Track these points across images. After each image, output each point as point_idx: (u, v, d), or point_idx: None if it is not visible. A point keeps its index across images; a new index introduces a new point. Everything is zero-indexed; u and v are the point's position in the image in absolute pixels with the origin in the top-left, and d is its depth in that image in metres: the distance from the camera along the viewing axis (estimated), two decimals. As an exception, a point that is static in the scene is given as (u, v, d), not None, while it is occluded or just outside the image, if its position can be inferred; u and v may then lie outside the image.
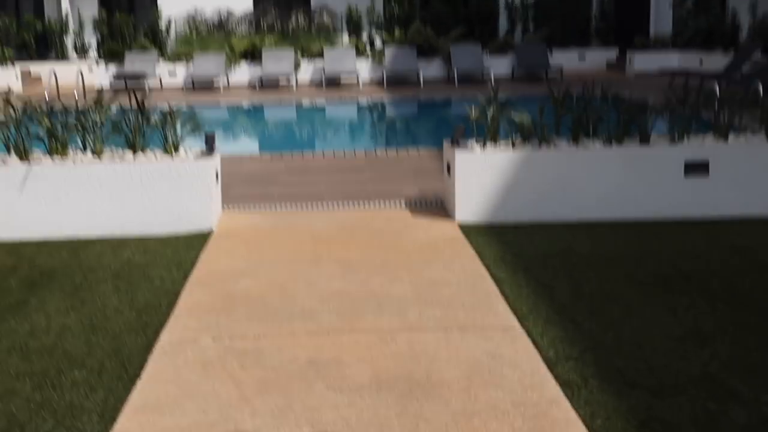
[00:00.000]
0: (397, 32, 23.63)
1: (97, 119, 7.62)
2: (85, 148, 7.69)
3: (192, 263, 6.50)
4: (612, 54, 25.42)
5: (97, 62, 23.09)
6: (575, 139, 7.79)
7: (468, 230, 7.28)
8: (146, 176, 7.32)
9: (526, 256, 6.51)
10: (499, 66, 22.79)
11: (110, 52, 22.87)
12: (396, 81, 22.12)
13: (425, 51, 23.08)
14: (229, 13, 25.13)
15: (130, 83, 21.90)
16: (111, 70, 22.43)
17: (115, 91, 21.06)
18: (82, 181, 7.30)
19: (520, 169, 7.51)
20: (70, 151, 7.61)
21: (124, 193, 7.33)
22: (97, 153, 7.55)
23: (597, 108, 7.90)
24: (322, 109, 18.73)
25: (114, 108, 7.90)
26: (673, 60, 22.97)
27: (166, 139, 7.60)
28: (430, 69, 22.94)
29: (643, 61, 23.04)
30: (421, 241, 6.97)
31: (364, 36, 25.05)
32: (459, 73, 21.87)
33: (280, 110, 18.64)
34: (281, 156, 11.07)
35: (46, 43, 25.27)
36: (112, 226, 7.36)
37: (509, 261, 6.40)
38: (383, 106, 19.08)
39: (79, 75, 18.16)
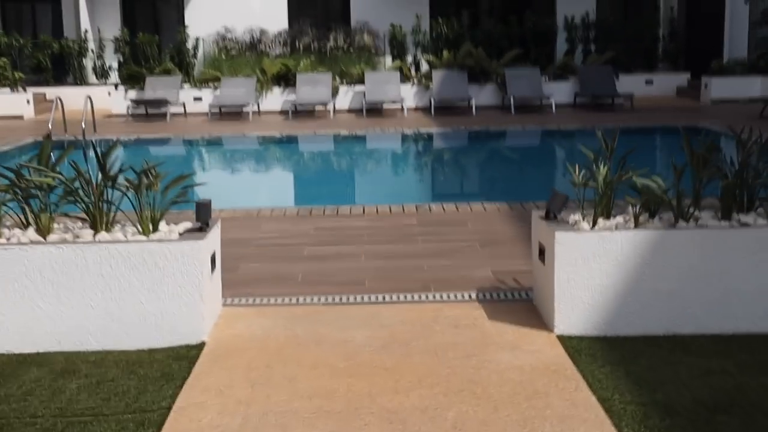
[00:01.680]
0: (445, 54, 21.35)
1: (45, 180, 5.37)
2: (26, 222, 5.45)
3: (163, 413, 4.23)
4: (683, 79, 22.93)
5: (116, 86, 21.09)
6: (727, 212, 5.41)
7: (576, 351, 4.92)
8: (110, 264, 5.07)
9: (680, 410, 4.13)
10: (559, 92, 20.40)
11: (130, 76, 20.84)
12: (445, 108, 19.83)
13: (477, 75, 20.79)
14: (262, 33, 23.06)
15: (151, 110, 19.84)
16: (131, 96, 20.40)
17: (133, 118, 19.02)
18: (16, 272, 5.06)
19: (648, 257, 5.15)
20: (4, 229, 5.38)
21: (77, 289, 5.08)
22: (42, 230, 5.30)
23: (757, 167, 5.49)
24: (362, 144, 16.48)
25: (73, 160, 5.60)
26: (755, 85, 20.44)
27: (140, 210, 5.35)
28: (483, 95, 20.63)
29: (720, 87, 20.54)
30: (508, 374, 4.63)
31: (409, 58, 22.84)
32: (516, 100, 19.53)
33: (313, 144, 16.43)
34: (310, 212, 8.81)
35: (63, 66, 23.36)
36: (58, 337, 5.11)
37: (656, 422, 4.03)
38: (431, 139, 16.79)
39: (88, 102, 16.09)
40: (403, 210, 8.79)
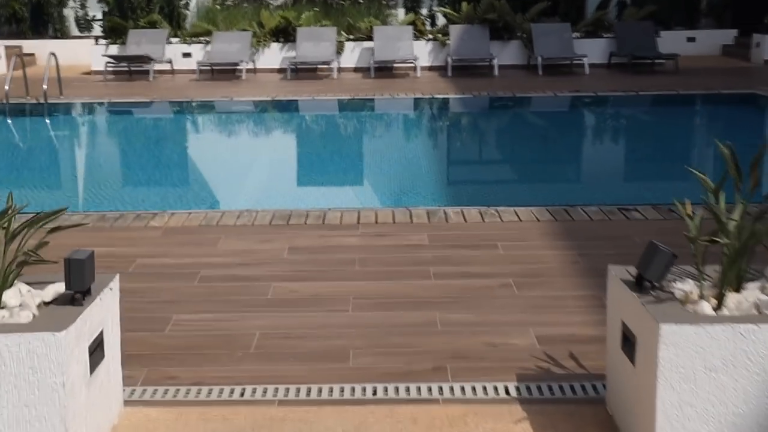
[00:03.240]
0: (464, 7, 19.01)
1: None
2: None
3: None
4: (728, 36, 20.50)
5: (97, 40, 18.89)
6: None
7: None
8: None
9: None
10: (592, 50, 18.06)
11: (112, 29, 18.62)
12: (463, 68, 17.55)
13: (499, 31, 18.46)
14: (262, -19, 20.75)
15: (133, 67, 17.65)
16: (111, 51, 18.19)
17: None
18: None
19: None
20: None
21: None
22: None
23: None
24: (366, 115, 14.27)
25: None
26: (814, 45, 18.09)
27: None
28: (506, 54, 18.32)
29: (774, 47, 18.20)
30: None
31: (424, 11, 20.50)
32: (543, 60, 17.23)
33: (309, 114, 14.24)
34: (287, 219, 6.68)
35: (42, 16, 21.15)
36: None
37: None
38: (447, 108, 14.53)
39: (52, 59, 13.94)
40: (411, 218, 6.65)
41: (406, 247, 5.94)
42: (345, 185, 9.00)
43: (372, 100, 14.40)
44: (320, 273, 5.44)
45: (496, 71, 17.15)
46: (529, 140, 12.32)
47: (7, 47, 18.83)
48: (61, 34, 21.04)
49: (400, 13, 20.81)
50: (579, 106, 14.49)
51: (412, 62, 17.49)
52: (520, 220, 6.54)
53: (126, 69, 17.73)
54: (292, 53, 18.03)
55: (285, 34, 18.54)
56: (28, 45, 20.23)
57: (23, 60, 14.43)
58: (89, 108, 14.34)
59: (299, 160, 10.90)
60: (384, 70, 17.69)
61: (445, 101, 14.53)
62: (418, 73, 17.23)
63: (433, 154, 11.76)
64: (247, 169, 10.01)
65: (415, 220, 6.59)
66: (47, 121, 13.49)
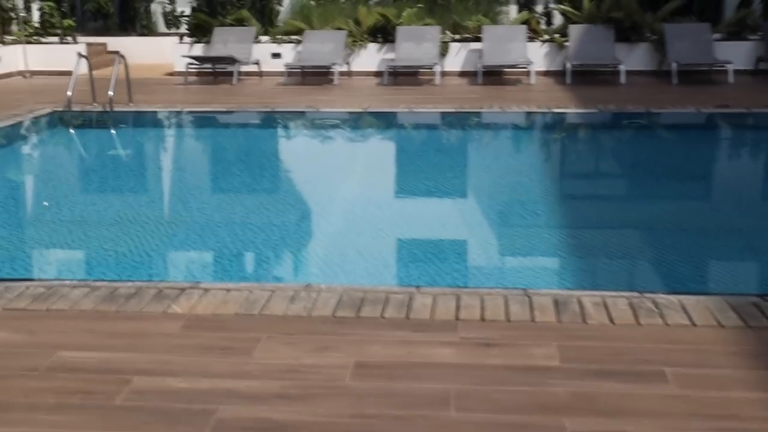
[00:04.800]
0: (586, 4, 16.80)
1: None
2: None
3: None
4: None
5: (181, 38, 17.44)
6: None
7: None
8: None
9: None
10: (735, 55, 15.58)
11: (198, 26, 17.11)
12: (584, 74, 15.36)
13: (626, 32, 16.19)
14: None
15: (217, 68, 16.09)
16: (195, 50, 16.69)
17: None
18: None
19: None
20: None
21: None
22: None
23: None
24: (470, 133, 12.21)
25: None
26: None
27: None
28: (634, 58, 16.04)
29: None
30: None
31: (539, 8, 18.34)
32: (679, 66, 14.91)
33: (404, 132, 12.28)
34: (358, 306, 4.78)
35: (128, 11, 19.86)
36: None
37: None
38: (567, 127, 12.34)
39: (118, 61, 12.44)
40: (532, 312, 4.68)
41: (527, 372, 3.98)
42: (440, 240, 6.94)
43: (479, 114, 12.36)
44: (398, 425, 3.53)
45: (622, 78, 14.92)
46: (682, 178, 9.21)
47: (89, 45, 17.55)
48: (148, 30, 19.70)
49: (512, 10, 18.73)
50: (733, 126, 12.08)
51: (525, 67, 15.40)
52: (693, 325, 4.49)
53: (209, 70, 16.19)
54: (391, 55, 16.18)
55: (384, 33, 16.71)
56: (113, 43, 19.02)
57: (91, 59, 12.92)
58: (155, 119, 12.66)
59: (384, 200, 8.40)
60: (493, 75, 15.66)
61: (565, 117, 12.36)
62: (532, 80, 15.15)
63: (555, 195, 8.79)
64: (318, 210, 8.07)
65: (537, 316, 4.62)
66: (111, 132, 11.92)
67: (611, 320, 4.55)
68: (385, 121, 12.50)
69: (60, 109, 12.23)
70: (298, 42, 16.59)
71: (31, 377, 3.96)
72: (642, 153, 10.69)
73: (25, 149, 11.38)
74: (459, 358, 4.13)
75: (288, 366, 4.08)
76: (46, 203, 8.70)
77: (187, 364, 4.09)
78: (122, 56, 12.75)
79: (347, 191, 8.62)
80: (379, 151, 11.18)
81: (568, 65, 15.25)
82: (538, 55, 16.05)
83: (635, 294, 4.90)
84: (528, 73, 15.36)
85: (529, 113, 12.35)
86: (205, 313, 4.72)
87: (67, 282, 5.26)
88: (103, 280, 5.37)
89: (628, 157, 10.63)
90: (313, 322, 4.60)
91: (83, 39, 18.13)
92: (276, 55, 16.66)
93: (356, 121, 12.43)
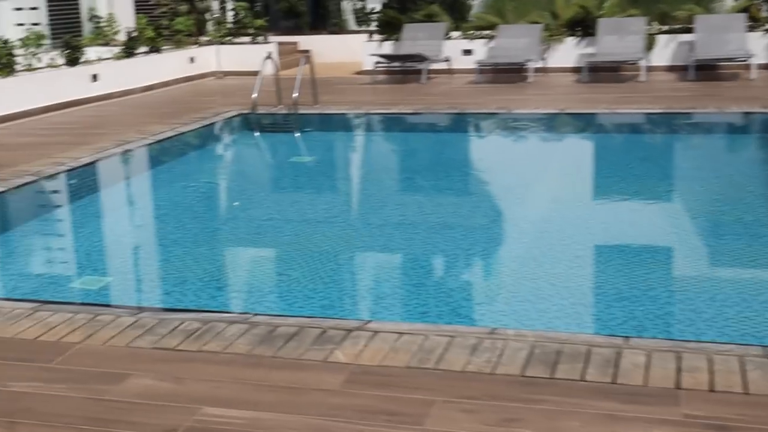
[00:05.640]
0: (815, -12, 14.99)
1: None
2: None
3: None
4: None
5: (370, 36, 17.02)
6: None
7: None
8: None
9: None
10: None
11: (387, 23, 16.62)
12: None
13: None
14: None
15: (407, 66, 15.51)
16: (385, 48, 16.20)
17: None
18: None
19: None
20: None
21: None
22: None
23: None
24: (685, 139, 10.92)
25: None
26: None
27: None
28: None
29: None
30: None
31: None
32: None
33: (604, 136, 11.15)
34: (553, 365, 3.94)
35: (319, 10, 19.69)
36: None
37: None
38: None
39: (303, 61, 12.10)
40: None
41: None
42: (651, 272, 5.88)
43: (692, 115, 11.08)
44: None
45: None
46: None
47: (280, 44, 17.47)
48: (339, 29, 19.45)
49: (728, -3, 17.09)
50: None
51: (744, 60, 13.86)
52: None
53: (398, 69, 15.65)
54: (590, 49, 15.04)
55: (583, 26, 15.57)
56: (303, 42, 18.92)
57: (282, 59, 12.63)
58: (339, 121, 12.16)
59: (585, 219, 7.33)
60: (706, 70, 14.20)
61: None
62: (753, 75, 13.59)
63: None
64: (509, 230, 7.18)
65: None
66: (294, 136, 11.54)
67: None
68: (584, 123, 11.46)
69: (246, 111, 12.00)
70: (491, 37, 15.75)
71: (168, 443, 3.41)
72: None
73: (207, 155, 11.16)
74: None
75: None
76: (236, 203, 8.38)
77: (342, 440, 3.41)
78: (308, 56, 12.37)
79: (542, 207, 7.70)
80: (576, 160, 10.05)
81: (794, 57, 13.60)
82: (759, 47, 14.41)
83: None
84: (747, 67, 13.81)
85: (750, 114, 10.92)
86: (372, 364, 4.03)
87: (225, 315, 4.73)
88: (263, 314, 4.79)
89: None
90: (497, 383, 3.80)
91: (275, 39, 18.08)
92: (467, 52, 15.89)
93: (552, 124, 11.46)
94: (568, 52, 15.46)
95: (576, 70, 15.02)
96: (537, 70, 14.84)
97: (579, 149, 10.80)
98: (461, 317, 5.16)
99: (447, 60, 15.61)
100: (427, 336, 4.31)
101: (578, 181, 8.80)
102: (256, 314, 4.79)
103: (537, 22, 15.65)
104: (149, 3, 17.81)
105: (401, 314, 5.29)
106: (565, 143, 11.20)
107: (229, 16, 18.60)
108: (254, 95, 11.76)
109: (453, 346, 4.17)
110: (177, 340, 4.35)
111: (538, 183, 8.73)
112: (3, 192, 7.89)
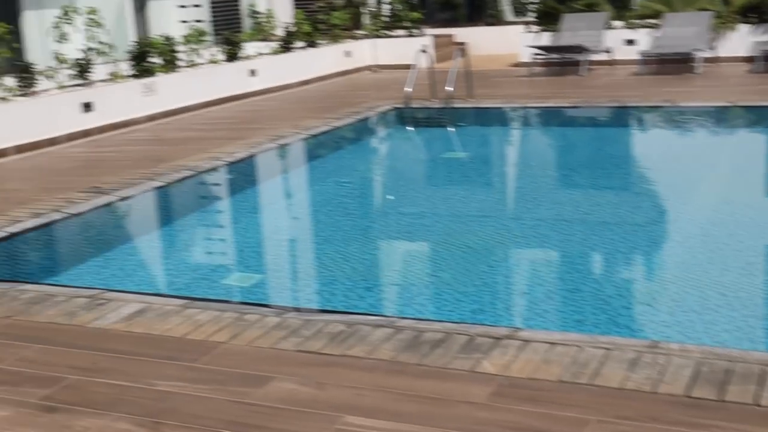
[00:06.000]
0: None
1: None
2: None
3: None
4: None
5: (527, 27, 16.61)
6: None
7: None
8: None
9: None
10: None
11: (546, 13, 16.16)
12: None
13: None
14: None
15: (565, 58, 15.04)
16: (542, 40, 15.77)
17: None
18: None
19: None
20: None
21: None
22: None
23: None
24: None
25: None
26: None
27: None
28: None
29: None
30: None
31: None
32: None
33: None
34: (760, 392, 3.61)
35: (476, 2, 19.41)
36: None
37: None
38: None
39: (458, 55, 11.90)
40: None
41: None
42: None
43: None
44: None
45: None
46: None
47: (435, 37, 17.33)
48: (495, 20, 19.11)
49: None
50: None
51: None
52: None
53: (556, 60, 15.20)
54: (766, 37, 14.11)
55: (758, 12, 14.63)
56: (459, 33, 18.69)
57: (437, 51, 12.44)
58: (494, 116, 11.84)
59: (759, 223, 6.76)
60: None
61: None
62: None
63: None
64: (676, 232, 6.74)
65: None
66: (448, 131, 11.35)
67: None
68: (758, 117, 10.72)
69: (399, 105, 11.91)
70: (656, 26, 15.05)
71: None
72: None
73: (359, 150, 11.11)
74: None
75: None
76: (389, 197, 8.29)
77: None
78: (463, 49, 12.16)
79: (709, 209, 7.20)
80: (750, 157, 9.39)
81: None
82: None
83: None
84: None
85: None
86: (521, 376, 3.80)
87: (370, 318, 4.60)
88: (409, 318, 4.63)
89: None
90: (658, 404, 3.49)
91: (430, 31, 17.95)
92: (630, 42, 15.23)
93: (722, 118, 10.78)
94: (741, 41, 14.56)
95: (749, 59, 14.12)
96: (706, 60, 14.05)
97: (752, 145, 10.09)
98: (619, 327, 4.83)
99: (608, 51, 15.03)
100: (582, 347, 4.04)
101: (752, 181, 8.19)
102: (402, 318, 4.63)
103: (706, 9, 14.83)
104: (307, -2, 18.06)
105: (554, 322, 5.01)
106: (736, 138, 10.52)
107: (385, 9, 18.60)
108: (408, 89, 11.66)
109: (610, 360, 3.88)
110: (321, 343, 4.26)
111: (706, 182, 8.19)
112: (160, 187, 8.09)
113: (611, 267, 6.05)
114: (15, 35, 11.88)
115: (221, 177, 8.75)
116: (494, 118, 11.89)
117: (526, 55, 15.30)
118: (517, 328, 4.43)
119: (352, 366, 4.01)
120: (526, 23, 17.00)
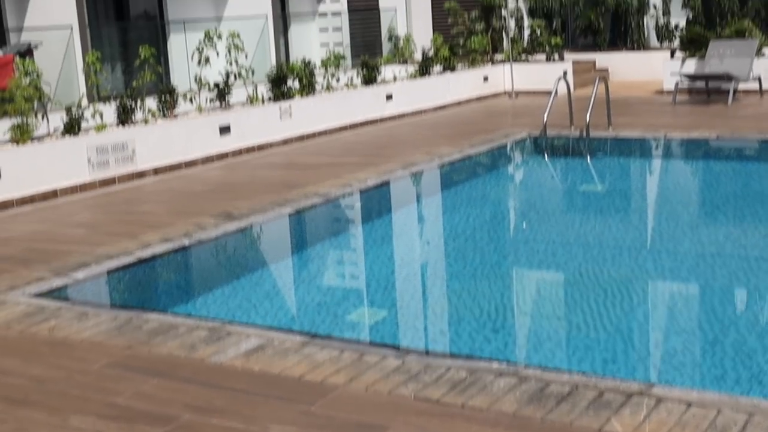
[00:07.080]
0: None
1: None
2: None
3: None
4: None
5: (672, 53, 16.03)
6: None
7: None
8: None
9: None
10: None
11: (691, 39, 15.54)
12: None
13: None
14: None
15: (711, 85, 14.42)
16: (686, 68, 15.14)
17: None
18: None
19: None
20: None
21: None
22: None
23: None
24: None
25: None
26: None
27: None
28: None
29: None
30: None
31: None
32: None
33: None
34: None
35: (619, 26, 18.88)
36: None
37: None
38: None
39: (598, 82, 11.55)
40: None
41: None
42: None
43: None
44: None
45: None
46: None
47: (575, 63, 16.95)
48: (639, 45, 18.54)
49: None
50: None
51: None
52: None
53: (702, 88, 14.58)
54: None
55: None
56: (600, 59, 18.24)
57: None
58: (633, 147, 11.33)
59: None
60: None
61: None
62: None
63: None
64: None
65: None
66: (585, 163, 10.99)
67: None
68: None
69: (535, 134, 11.65)
70: (812, 53, 14.26)
71: None
72: None
73: (492, 180, 10.82)
74: None
75: None
76: (523, 228, 8.03)
77: None
78: (604, 76, 11.79)
79: None
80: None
81: None
82: None
83: None
84: None
85: None
86: (651, 441, 3.53)
87: (494, 366, 4.40)
88: (534, 367, 4.41)
89: None
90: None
91: (570, 56, 17.58)
92: (782, 71, 14.48)
93: None
94: None
95: None
96: None
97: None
98: (765, 387, 4.46)
99: (758, 79, 14.31)
100: (721, 410, 3.73)
101: None
102: (527, 366, 4.42)
103: None
104: (446, 22, 17.98)
105: (691, 377, 4.67)
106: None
107: (525, 34, 18.35)
108: (545, 116, 11.39)
109: (751, 426, 3.57)
110: (441, 391, 4.09)
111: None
112: (290, 214, 8.10)
113: (756, 315, 5.64)
114: (161, 58, 12.27)
115: (351, 204, 8.71)
116: (634, 148, 11.44)
117: (670, 83, 14.75)
118: (651, 384, 4.15)
119: (472, 419, 3.83)
120: (672, 50, 16.41)
